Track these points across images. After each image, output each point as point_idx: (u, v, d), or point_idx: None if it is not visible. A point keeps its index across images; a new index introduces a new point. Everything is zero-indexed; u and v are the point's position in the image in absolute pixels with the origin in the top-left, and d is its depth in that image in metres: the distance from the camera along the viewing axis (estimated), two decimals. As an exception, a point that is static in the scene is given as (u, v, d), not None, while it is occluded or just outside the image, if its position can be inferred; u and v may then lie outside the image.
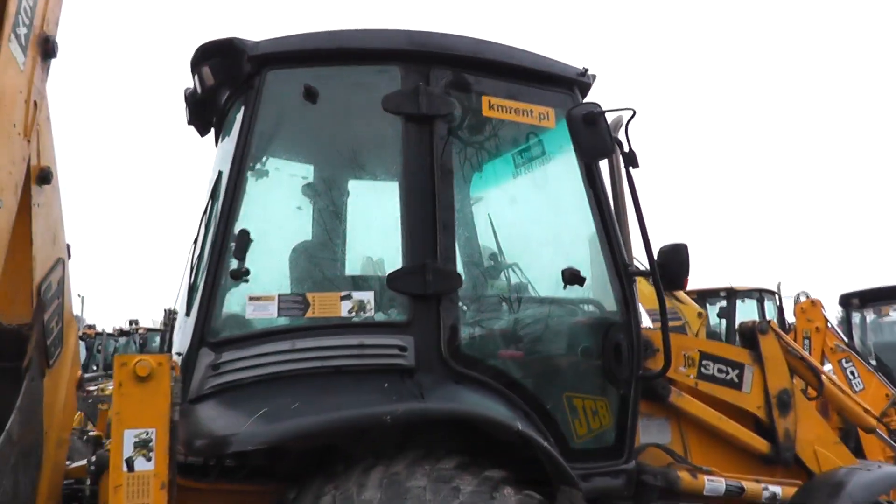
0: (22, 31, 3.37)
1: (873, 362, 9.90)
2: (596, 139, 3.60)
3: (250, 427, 2.86)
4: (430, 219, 3.37)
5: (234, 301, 3.28)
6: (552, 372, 3.65)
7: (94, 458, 3.92)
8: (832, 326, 9.61)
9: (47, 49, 3.59)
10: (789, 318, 13.04)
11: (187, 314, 3.45)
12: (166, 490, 2.60)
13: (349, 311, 3.27)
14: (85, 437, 4.39)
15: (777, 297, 13.80)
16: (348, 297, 3.28)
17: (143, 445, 2.61)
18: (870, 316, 11.32)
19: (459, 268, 3.48)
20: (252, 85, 3.44)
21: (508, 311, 3.71)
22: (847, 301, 11.24)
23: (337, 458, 3.15)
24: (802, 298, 10.18)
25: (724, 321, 13.78)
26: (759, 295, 14.24)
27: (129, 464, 2.59)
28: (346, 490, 2.84)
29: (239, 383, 3.11)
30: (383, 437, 3.21)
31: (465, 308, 3.47)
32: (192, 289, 3.50)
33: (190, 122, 4.10)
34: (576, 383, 3.66)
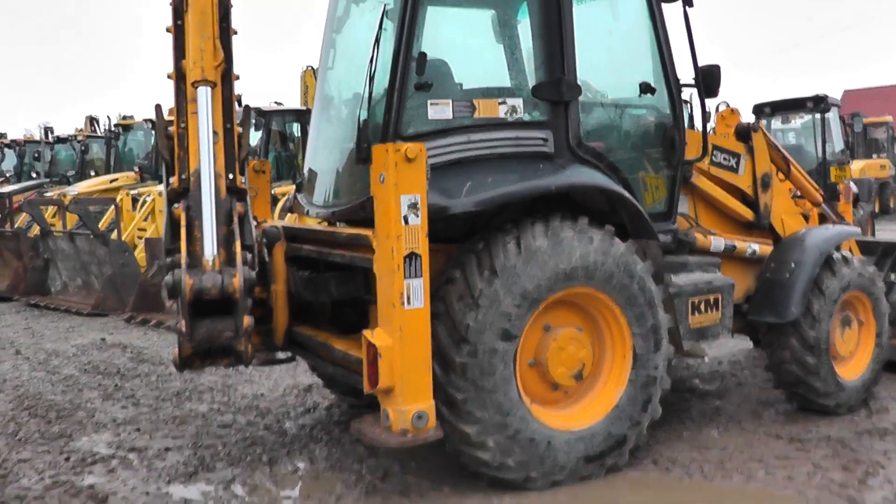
0: None
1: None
2: None
3: (466, 195, 3.98)
4: (559, 44, 4.43)
5: (418, 105, 4.26)
6: (634, 157, 4.90)
7: (262, 233, 4.97)
8: (748, 131, 11.21)
9: None
10: (698, 124, 14.70)
11: (368, 117, 4.43)
12: (427, 238, 3.72)
13: (505, 113, 4.36)
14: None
15: (689, 105, 15.36)
16: (504, 103, 4.36)
17: (413, 207, 3.66)
18: (777, 123, 13.12)
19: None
20: None
21: (606, 112, 4.89)
22: (760, 109, 12.95)
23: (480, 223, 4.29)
24: (723, 107, 11.73)
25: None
26: (678, 103, 15.77)
27: (406, 219, 3.65)
28: (526, 239, 4.04)
29: (433, 166, 4.16)
30: (521, 204, 4.36)
31: (581, 110, 4.59)
32: (370, 98, 4.43)
33: None
34: (646, 166, 4.94)
